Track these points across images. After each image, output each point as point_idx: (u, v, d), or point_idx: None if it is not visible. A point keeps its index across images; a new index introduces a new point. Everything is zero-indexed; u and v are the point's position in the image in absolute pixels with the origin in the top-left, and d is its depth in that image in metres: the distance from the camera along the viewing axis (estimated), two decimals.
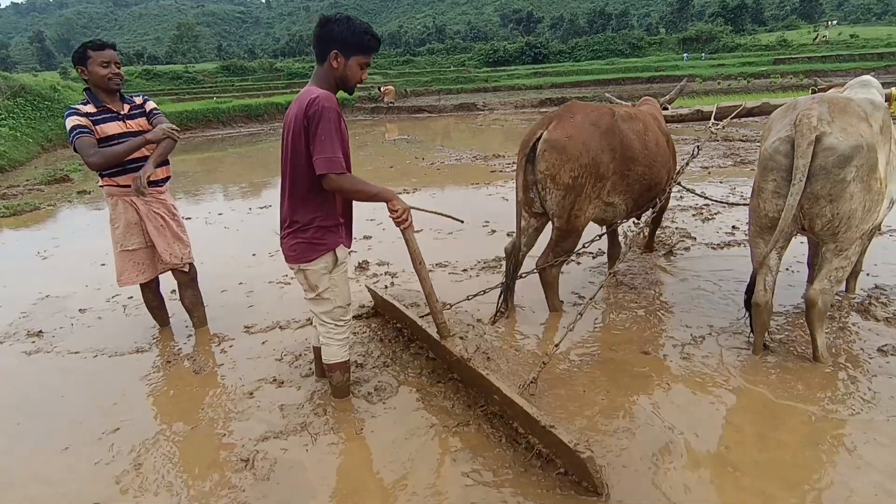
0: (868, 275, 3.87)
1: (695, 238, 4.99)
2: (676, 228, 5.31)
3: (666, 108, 4.14)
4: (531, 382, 2.58)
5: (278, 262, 5.00)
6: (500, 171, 8.79)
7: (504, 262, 3.58)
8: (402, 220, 2.33)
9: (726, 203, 4.60)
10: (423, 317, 3.13)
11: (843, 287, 3.59)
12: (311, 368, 3.05)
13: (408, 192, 7.62)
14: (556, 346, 2.79)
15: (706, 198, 4.29)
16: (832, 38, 54.84)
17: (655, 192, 3.60)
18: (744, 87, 25.82)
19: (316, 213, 2.34)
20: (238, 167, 11.79)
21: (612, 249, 4.20)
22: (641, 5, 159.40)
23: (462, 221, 2.79)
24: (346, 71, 2.26)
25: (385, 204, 2.33)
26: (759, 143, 10.16)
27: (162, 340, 3.54)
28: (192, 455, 2.41)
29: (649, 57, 51.29)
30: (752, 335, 3.01)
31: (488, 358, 3.02)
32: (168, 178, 3.44)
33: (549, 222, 3.43)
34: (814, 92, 3.81)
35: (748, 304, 2.93)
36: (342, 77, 2.28)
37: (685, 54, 48.69)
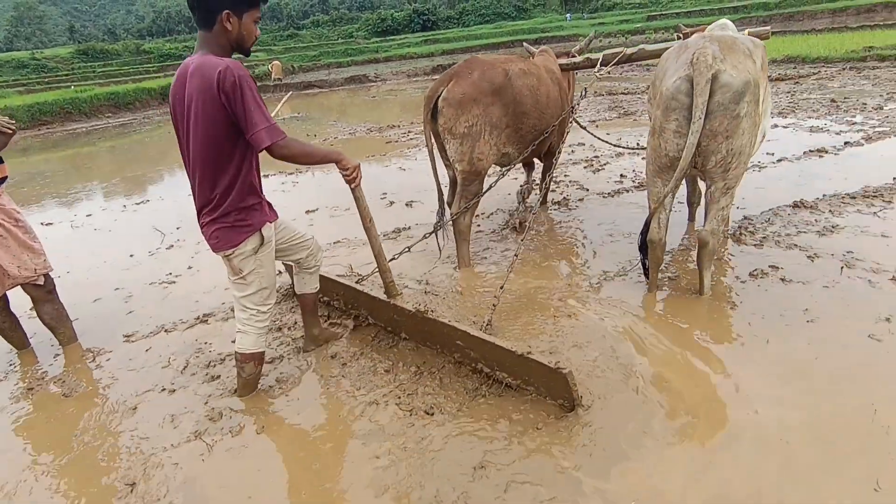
0: (738, 207, 4.21)
1: (587, 189, 5.17)
2: (570, 181, 5.47)
3: (574, 56, 4.36)
4: (487, 324, 2.66)
5: (160, 259, 4.56)
6: (396, 142, 8.59)
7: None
8: (352, 178, 2.34)
9: (620, 146, 4.83)
10: (358, 282, 3.13)
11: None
12: (207, 373, 2.79)
13: (301, 171, 7.23)
14: (502, 287, 2.85)
15: (604, 140, 4.53)
16: None
17: (549, 139, 3.87)
18: (622, 43, 27.20)
19: (235, 193, 2.14)
20: (109, 163, 10.59)
21: (542, 181, 4.43)
22: None
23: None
24: (243, 31, 2.07)
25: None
26: (640, 95, 10.74)
27: (21, 366, 3.08)
28: (67, 488, 2.12)
29: (535, 19, 52.43)
30: (643, 276, 3.15)
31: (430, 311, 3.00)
32: (4, 178, 2.94)
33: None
34: (678, 38, 4.00)
35: (643, 245, 3.05)
36: (238, 39, 2.08)
37: (567, 15, 50.38)
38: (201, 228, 2.24)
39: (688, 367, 2.46)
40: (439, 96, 3.39)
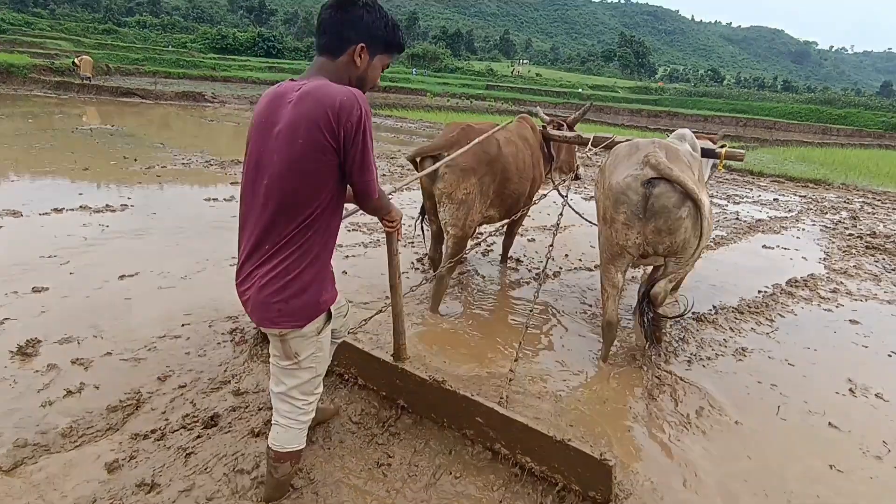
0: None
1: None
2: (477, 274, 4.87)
3: (563, 126, 4.68)
4: (504, 400, 2.41)
5: None
6: None
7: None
8: (397, 229, 2.13)
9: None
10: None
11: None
12: None
13: (112, 210, 5.50)
14: (516, 359, 2.67)
15: (578, 214, 4.67)
16: (524, 73, 66.91)
17: (522, 202, 4.06)
18: (467, 105, 28.78)
19: (318, 258, 1.72)
20: None
21: (506, 240, 4.99)
22: None
23: None
24: (369, 72, 1.81)
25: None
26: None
27: None
28: None
29: None
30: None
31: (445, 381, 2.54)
32: None
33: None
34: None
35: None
36: (362, 78, 1.81)
37: (413, 70, 52.42)
38: (244, 291, 1.72)
39: None
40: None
